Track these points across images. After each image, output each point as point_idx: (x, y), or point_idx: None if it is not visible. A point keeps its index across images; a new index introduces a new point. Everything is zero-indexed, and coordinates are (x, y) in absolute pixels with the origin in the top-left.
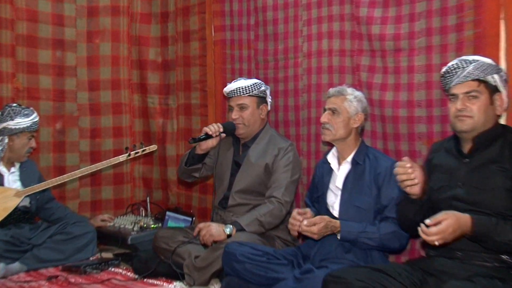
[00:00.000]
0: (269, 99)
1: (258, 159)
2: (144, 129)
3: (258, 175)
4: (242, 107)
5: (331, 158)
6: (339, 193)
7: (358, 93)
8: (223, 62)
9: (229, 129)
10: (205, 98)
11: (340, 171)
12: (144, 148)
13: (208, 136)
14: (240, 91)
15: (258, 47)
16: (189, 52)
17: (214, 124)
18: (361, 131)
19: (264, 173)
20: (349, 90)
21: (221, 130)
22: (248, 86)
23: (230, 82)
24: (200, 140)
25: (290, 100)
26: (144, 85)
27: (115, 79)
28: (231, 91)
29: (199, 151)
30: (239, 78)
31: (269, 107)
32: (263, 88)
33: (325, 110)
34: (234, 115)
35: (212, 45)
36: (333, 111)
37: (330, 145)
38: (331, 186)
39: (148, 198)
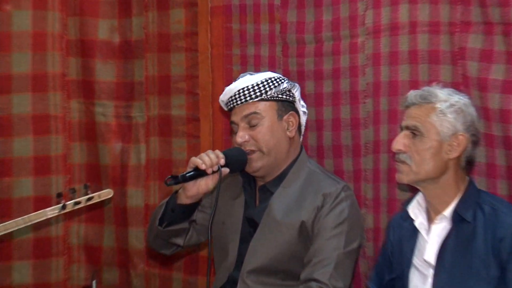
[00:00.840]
0: (301, 106)
1: (288, 215)
2: (89, 161)
3: (288, 242)
4: (252, 121)
5: (416, 211)
6: (430, 272)
7: (458, 99)
8: (227, 44)
9: (237, 160)
10: (196, 106)
11: (432, 234)
12: (90, 195)
13: (199, 173)
14: (244, 95)
15: (287, 18)
16: (168, 26)
17: (210, 152)
18: (467, 165)
19: (299, 239)
20: (442, 93)
21: (222, 162)
22: (257, 85)
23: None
24: (186, 179)
25: (344, 110)
26: (90, 84)
27: (39, 73)
28: (231, 98)
29: (184, 199)
30: (243, 74)
31: (302, 118)
32: (285, 85)
33: (401, 129)
34: (240, 136)
35: (208, 16)
36: (414, 132)
37: (412, 189)
38: (416, 260)
39: (94, 282)
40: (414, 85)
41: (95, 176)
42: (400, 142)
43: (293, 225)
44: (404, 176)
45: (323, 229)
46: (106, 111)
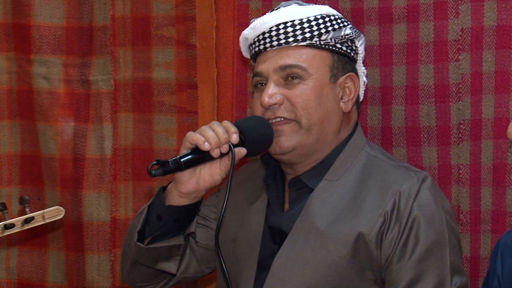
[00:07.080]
0: (362, 69)
1: (337, 223)
2: (23, 151)
3: (336, 264)
4: (290, 75)
5: None
6: None
7: None
8: None
9: (259, 135)
10: (192, 65)
11: None
12: (29, 216)
13: (200, 157)
14: (286, 34)
15: None
16: None
17: (216, 124)
18: None
19: (353, 261)
20: None
21: (235, 139)
22: (308, 21)
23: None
24: (180, 166)
25: (425, 71)
26: (24, 30)
27: None
28: (262, 35)
29: (177, 199)
30: (286, 3)
31: (362, 87)
32: (348, 32)
33: None
34: (269, 94)
35: None
36: None
37: None
38: None
39: None
40: None
41: (33, 174)
42: None
43: (345, 239)
44: None
45: (398, 250)
46: (50, 73)
